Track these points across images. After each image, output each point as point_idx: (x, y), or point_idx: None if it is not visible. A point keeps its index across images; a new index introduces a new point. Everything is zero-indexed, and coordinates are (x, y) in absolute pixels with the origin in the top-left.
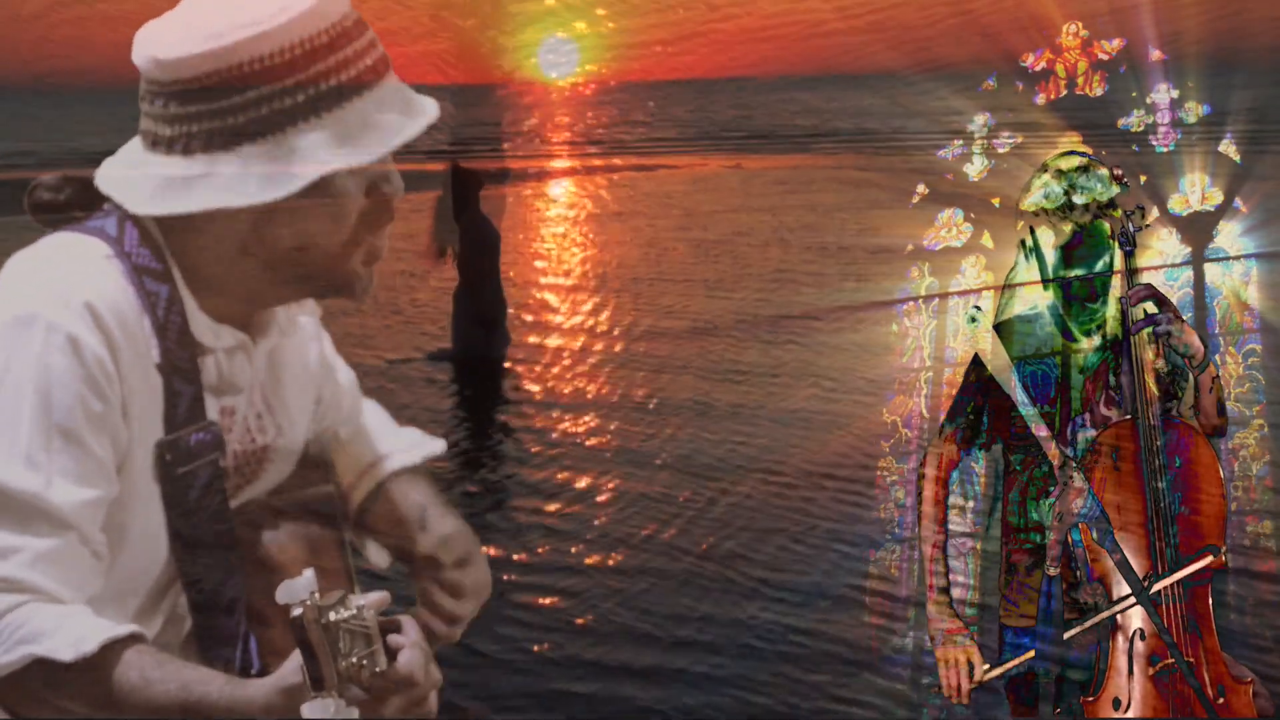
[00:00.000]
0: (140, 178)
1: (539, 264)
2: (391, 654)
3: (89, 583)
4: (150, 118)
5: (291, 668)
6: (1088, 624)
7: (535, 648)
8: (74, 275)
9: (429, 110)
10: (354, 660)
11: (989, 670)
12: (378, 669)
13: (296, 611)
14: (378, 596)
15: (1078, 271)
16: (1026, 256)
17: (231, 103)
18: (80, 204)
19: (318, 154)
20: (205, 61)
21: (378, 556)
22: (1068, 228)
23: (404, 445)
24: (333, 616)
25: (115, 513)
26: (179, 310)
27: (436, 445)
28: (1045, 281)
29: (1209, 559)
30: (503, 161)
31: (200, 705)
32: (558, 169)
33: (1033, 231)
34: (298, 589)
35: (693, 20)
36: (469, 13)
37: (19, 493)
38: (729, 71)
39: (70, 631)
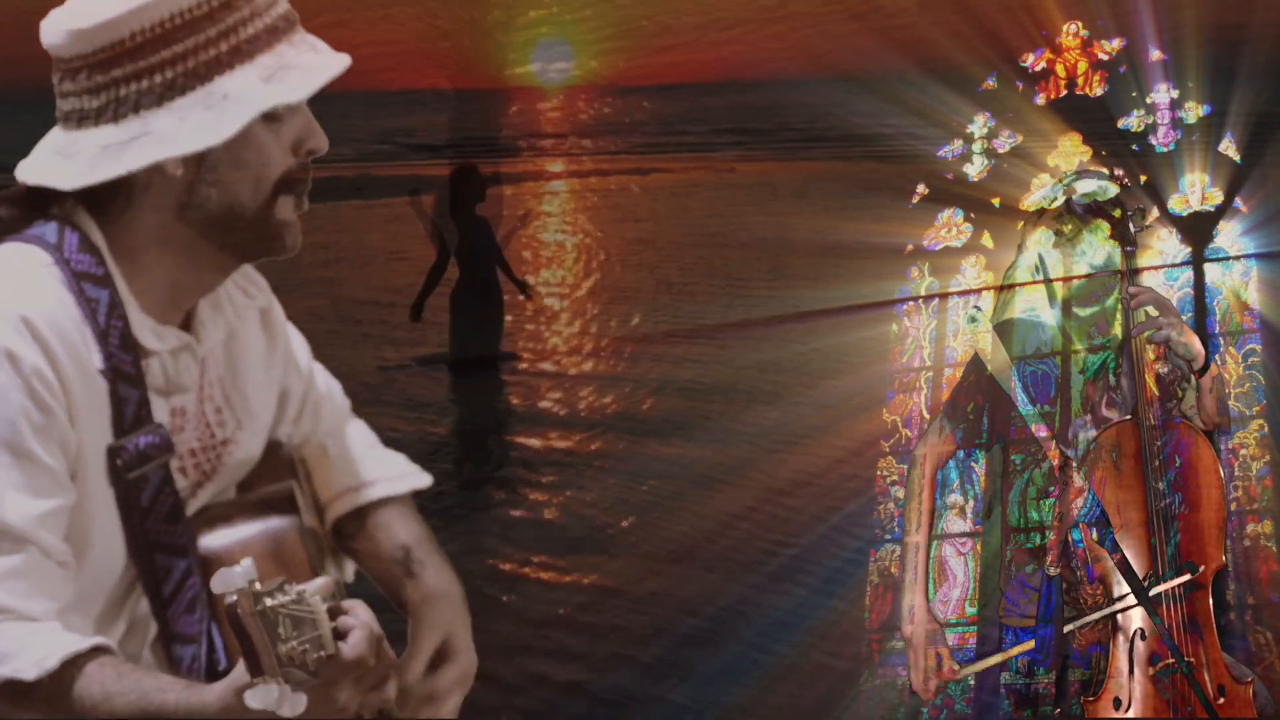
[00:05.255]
0: (73, 156)
1: (535, 267)
2: (341, 637)
3: (59, 593)
4: (72, 96)
5: (244, 668)
6: (1087, 619)
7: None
8: (9, 289)
9: (341, 57)
10: (294, 644)
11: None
12: (322, 652)
13: (230, 599)
14: (321, 581)
15: (1088, 312)
16: (1033, 274)
17: (160, 58)
18: (29, 213)
19: (249, 96)
20: (129, 22)
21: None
22: (1067, 228)
23: (390, 474)
24: (269, 602)
25: (77, 520)
26: (120, 315)
27: (423, 479)
28: (1051, 300)
29: (1187, 576)
30: (498, 166)
31: (160, 713)
32: (553, 172)
33: (1042, 260)
34: (234, 577)
35: (689, 23)
36: (463, 20)
37: None
38: (726, 74)
39: (34, 650)
